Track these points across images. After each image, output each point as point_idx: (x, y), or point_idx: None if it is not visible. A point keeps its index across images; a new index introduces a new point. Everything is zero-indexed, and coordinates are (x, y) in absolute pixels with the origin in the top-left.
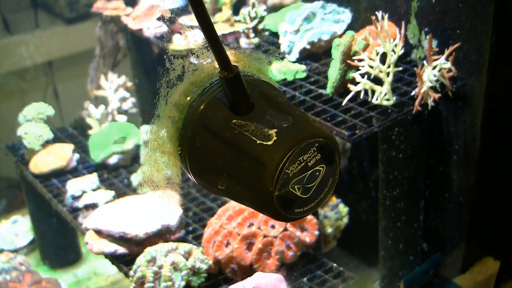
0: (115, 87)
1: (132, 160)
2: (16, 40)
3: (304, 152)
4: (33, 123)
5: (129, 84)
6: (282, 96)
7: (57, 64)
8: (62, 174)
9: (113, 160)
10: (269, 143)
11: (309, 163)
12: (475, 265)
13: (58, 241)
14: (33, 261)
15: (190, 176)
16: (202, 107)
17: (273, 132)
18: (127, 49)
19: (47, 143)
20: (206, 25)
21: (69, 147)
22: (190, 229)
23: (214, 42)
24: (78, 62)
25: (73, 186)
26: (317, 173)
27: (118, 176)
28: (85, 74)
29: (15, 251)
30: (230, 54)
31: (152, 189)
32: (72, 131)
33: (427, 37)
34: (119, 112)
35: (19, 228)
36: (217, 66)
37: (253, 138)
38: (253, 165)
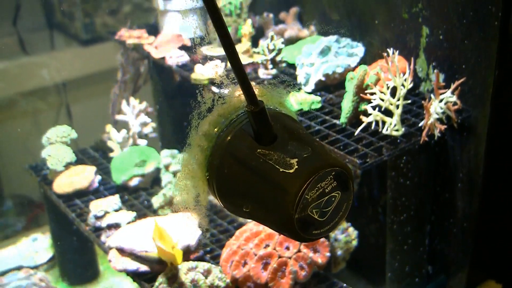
0: (136, 112)
1: (152, 182)
2: (32, 61)
3: (322, 180)
4: (56, 145)
5: (150, 109)
6: (302, 128)
7: (71, 85)
8: (85, 194)
9: (133, 182)
10: (291, 171)
11: (326, 190)
12: None
13: (77, 258)
14: (52, 278)
15: (217, 200)
16: (229, 137)
17: (294, 161)
18: (147, 76)
19: (69, 164)
20: (236, 65)
21: (92, 169)
22: (208, 249)
23: (243, 80)
24: (92, 83)
25: (96, 207)
26: (333, 199)
27: (138, 198)
28: (99, 95)
29: (35, 267)
30: (255, 89)
31: (182, 211)
32: (93, 153)
33: (435, 72)
34: (139, 136)
35: (39, 245)
36: (243, 99)
37: (276, 166)
38: (276, 190)
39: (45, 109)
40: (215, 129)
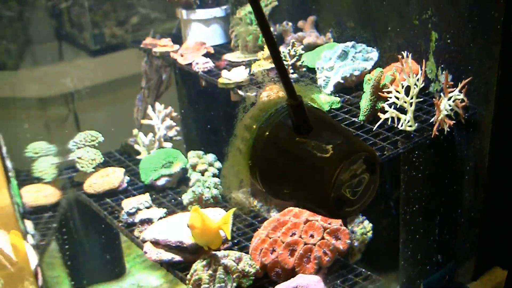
0: (162, 117)
1: (178, 182)
2: (40, 71)
3: (353, 163)
4: (86, 148)
5: (174, 114)
6: (333, 119)
7: (80, 95)
8: (115, 194)
9: (161, 182)
10: (327, 155)
11: (357, 172)
12: (485, 274)
13: (105, 256)
14: None
15: (258, 184)
16: (270, 128)
17: (329, 147)
18: (169, 82)
19: (98, 166)
20: (279, 63)
21: (120, 170)
22: (236, 241)
23: (285, 77)
24: (99, 93)
25: (128, 204)
26: (363, 180)
27: (166, 197)
28: (108, 104)
29: None
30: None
31: (227, 193)
32: (119, 156)
33: (444, 73)
34: (165, 139)
35: None
36: (280, 96)
37: (314, 151)
38: (314, 173)
39: (54, 117)
40: (256, 123)
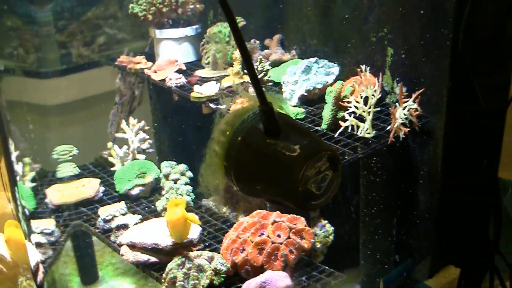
0: (136, 130)
1: (151, 191)
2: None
3: (318, 161)
4: (59, 162)
5: (147, 127)
6: (299, 124)
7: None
8: (90, 203)
9: (135, 191)
10: (295, 154)
11: (321, 169)
12: (440, 272)
13: (78, 263)
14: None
15: (232, 183)
16: (243, 132)
17: (297, 147)
18: (141, 98)
19: (72, 178)
20: (252, 73)
21: (96, 180)
22: (207, 244)
23: (257, 84)
24: (69, 111)
25: (104, 212)
26: (326, 176)
27: (140, 205)
28: (75, 122)
29: None
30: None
31: (204, 192)
32: (94, 168)
33: (399, 85)
34: (138, 151)
35: None
36: (252, 104)
37: (283, 151)
38: (284, 170)
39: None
40: (231, 127)
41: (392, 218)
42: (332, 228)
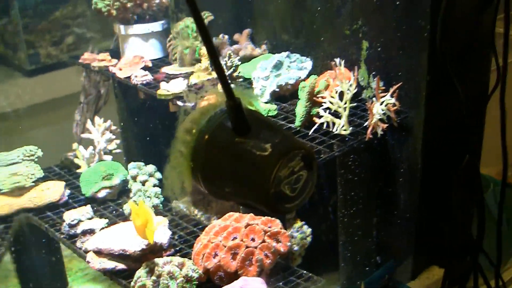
0: (102, 130)
1: (118, 194)
2: None
3: (291, 160)
4: (24, 163)
5: (114, 127)
6: (271, 120)
7: (16, 115)
8: (56, 207)
9: (102, 194)
10: (266, 153)
11: (295, 169)
12: (423, 273)
13: (45, 271)
14: None
15: (200, 186)
16: (210, 130)
17: (268, 145)
18: (107, 97)
19: (37, 181)
20: (218, 65)
21: (61, 183)
22: (177, 248)
23: (223, 78)
24: (38, 113)
25: (69, 216)
26: (301, 177)
27: (107, 208)
28: (46, 123)
29: None
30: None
31: (169, 195)
32: (59, 170)
33: (375, 79)
34: (105, 152)
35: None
36: (218, 101)
37: (253, 150)
38: (254, 170)
39: None
40: (197, 126)
41: (371, 218)
42: (309, 229)
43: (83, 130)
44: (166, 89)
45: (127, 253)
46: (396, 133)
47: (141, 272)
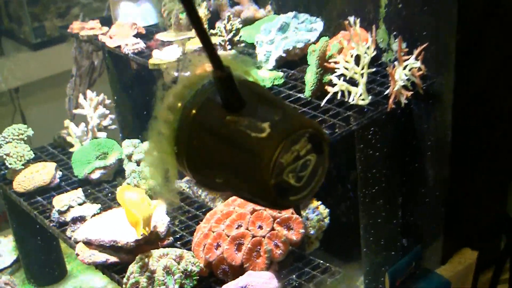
0: (94, 105)
1: (114, 174)
2: None
3: (296, 142)
4: (14, 143)
5: (108, 101)
6: (271, 93)
7: (24, 90)
8: (46, 191)
9: (96, 175)
10: (263, 135)
11: (300, 153)
12: (454, 256)
13: (43, 258)
14: (18, 281)
15: (187, 174)
16: (196, 107)
17: (266, 125)
18: (102, 68)
19: (28, 162)
20: (199, 28)
21: (52, 165)
22: (178, 236)
23: (208, 45)
24: (44, 87)
25: (59, 202)
26: (308, 162)
27: (102, 191)
28: (53, 99)
29: None
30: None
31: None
32: (52, 150)
33: (396, 40)
34: (99, 129)
35: (2, 248)
36: (207, 69)
37: (248, 131)
38: (249, 156)
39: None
40: (181, 101)
41: (396, 197)
42: (326, 210)
43: (76, 106)
44: (158, 57)
45: (119, 244)
46: (422, 101)
47: (134, 267)
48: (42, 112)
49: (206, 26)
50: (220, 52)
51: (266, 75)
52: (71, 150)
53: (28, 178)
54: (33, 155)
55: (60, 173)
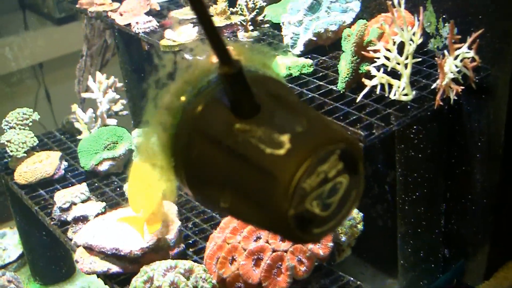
0: (103, 89)
1: (124, 166)
2: (4, 43)
3: (323, 161)
4: (16, 129)
5: (119, 84)
6: (293, 95)
7: (48, 66)
8: (50, 184)
9: (103, 167)
10: (281, 151)
11: (329, 174)
12: (499, 271)
13: (49, 255)
14: (23, 278)
15: (187, 192)
16: (198, 109)
17: (285, 138)
18: (115, 47)
19: (32, 150)
20: (201, 12)
21: (56, 154)
22: (190, 241)
23: (211, 32)
24: (69, 63)
25: (60, 198)
26: (339, 186)
27: (110, 185)
28: (68, 78)
29: (3, 267)
30: (231, 48)
31: None
32: (60, 136)
33: (447, 24)
34: (108, 115)
35: (7, 242)
36: (215, 61)
37: (261, 146)
38: (262, 179)
39: (22, 93)
40: (180, 101)
41: (439, 204)
42: (360, 214)
43: (86, 88)
44: (171, 38)
45: (121, 253)
46: (474, 97)
47: (137, 282)
48: (66, 89)
49: (226, 3)
50: (241, 33)
51: (293, 62)
52: (79, 137)
53: (30, 169)
54: (37, 141)
55: (66, 163)
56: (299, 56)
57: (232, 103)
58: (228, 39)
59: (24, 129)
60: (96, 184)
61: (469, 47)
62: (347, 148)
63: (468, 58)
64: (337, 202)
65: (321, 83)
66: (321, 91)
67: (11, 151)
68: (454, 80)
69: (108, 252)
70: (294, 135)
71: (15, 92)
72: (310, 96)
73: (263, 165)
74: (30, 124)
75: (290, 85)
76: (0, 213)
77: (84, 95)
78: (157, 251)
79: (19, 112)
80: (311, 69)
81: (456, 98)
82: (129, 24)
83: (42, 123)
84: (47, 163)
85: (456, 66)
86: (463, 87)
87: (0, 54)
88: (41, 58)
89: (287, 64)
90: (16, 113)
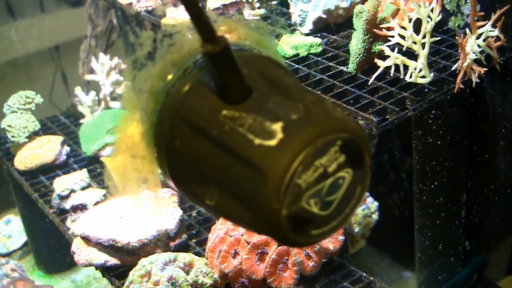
0: (106, 70)
1: None
2: (21, 25)
3: (322, 154)
4: (18, 113)
5: (123, 66)
6: (290, 77)
7: (64, 49)
8: (51, 169)
9: (106, 152)
10: (273, 142)
11: (329, 168)
12: None
13: (53, 243)
14: (28, 266)
15: (172, 185)
16: (182, 94)
17: (277, 126)
18: (118, 27)
19: (35, 135)
20: None
21: (57, 139)
22: (193, 232)
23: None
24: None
25: (60, 185)
26: (341, 181)
27: None
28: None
29: (7, 255)
30: (221, 23)
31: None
32: (64, 120)
33: (468, 1)
34: (112, 98)
35: (12, 228)
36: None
37: (250, 136)
38: (251, 174)
39: (40, 76)
40: (163, 83)
41: (460, 194)
42: (375, 203)
43: (90, 70)
44: (173, 17)
45: (119, 244)
46: (498, 79)
47: (134, 276)
48: (73, 73)
49: None
50: (247, 11)
51: (301, 41)
52: (81, 121)
53: (31, 154)
54: (39, 126)
55: (68, 148)
56: (307, 35)
57: (220, 87)
58: (233, 17)
59: (25, 113)
60: (99, 170)
61: (493, 25)
62: (350, 138)
63: (492, 37)
64: (339, 200)
65: (330, 63)
66: (330, 73)
67: (12, 136)
68: (477, 61)
69: (105, 244)
70: (288, 123)
71: (32, 75)
72: (318, 77)
73: (251, 158)
74: (33, 108)
75: (297, 66)
76: (5, 199)
77: (88, 77)
78: (157, 242)
79: (22, 96)
80: (320, 49)
81: (478, 80)
82: (130, 3)
83: (59, 106)
84: (48, 148)
85: (479, 46)
86: (486, 69)
87: (15, 37)
88: (57, 41)
89: (294, 43)
90: (18, 96)
